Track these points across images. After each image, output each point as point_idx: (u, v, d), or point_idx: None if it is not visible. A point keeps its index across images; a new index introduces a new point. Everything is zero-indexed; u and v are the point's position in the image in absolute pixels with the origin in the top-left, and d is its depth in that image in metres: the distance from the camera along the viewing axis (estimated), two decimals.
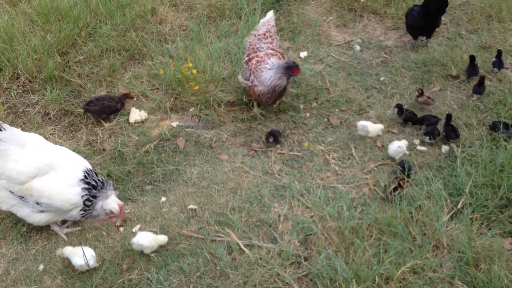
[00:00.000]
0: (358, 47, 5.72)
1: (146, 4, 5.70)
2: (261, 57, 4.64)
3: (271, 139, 4.53)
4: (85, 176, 3.67)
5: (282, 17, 6.03)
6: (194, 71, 4.94)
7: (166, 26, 5.71)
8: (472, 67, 5.12)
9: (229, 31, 5.73)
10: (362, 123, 4.54)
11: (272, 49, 4.75)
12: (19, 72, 4.95)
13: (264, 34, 4.80)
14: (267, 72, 4.53)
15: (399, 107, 4.72)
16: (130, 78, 5.15)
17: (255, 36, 4.83)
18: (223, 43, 5.52)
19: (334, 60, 5.54)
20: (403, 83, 5.20)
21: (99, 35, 5.31)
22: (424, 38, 5.68)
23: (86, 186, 3.66)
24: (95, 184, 3.70)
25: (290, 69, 4.49)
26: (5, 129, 3.48)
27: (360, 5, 6.17)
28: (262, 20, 4.94)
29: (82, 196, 3.64)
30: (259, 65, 4.59)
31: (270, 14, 4.97)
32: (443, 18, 5.69)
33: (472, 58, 5.13)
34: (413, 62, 5.44)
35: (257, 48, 4.74)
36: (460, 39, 5.70)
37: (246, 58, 4.74)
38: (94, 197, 3.70)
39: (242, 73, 4.79)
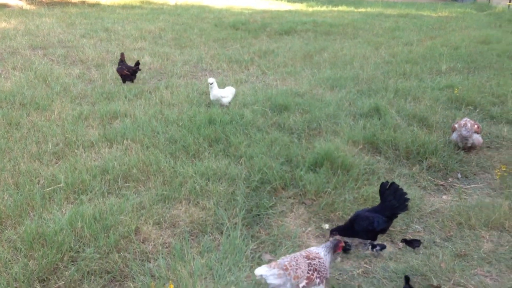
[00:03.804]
0: (338, 258, 5.82)
1: (131, 224, 5.90)
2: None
3: None
4: None
5: (263, 230, 6.23)
6: None
7: (149, 245, 5.81)
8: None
9: (211, 247, 5.84)
10: None
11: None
12: None
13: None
14: None
15: None
16: None
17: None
18: (205, 259, 5.58)
19: None
20: None
21: (81, 259, 5.36)
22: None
23: None
24: None
25: None
26: None
27: (336, 216, 6.47)
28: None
29: None
30: None
31: None
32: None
33: (407, 279, 5.12)
34: (393, 272, 5.49)
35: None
36: (436, 247, 5.87)
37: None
38: None
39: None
